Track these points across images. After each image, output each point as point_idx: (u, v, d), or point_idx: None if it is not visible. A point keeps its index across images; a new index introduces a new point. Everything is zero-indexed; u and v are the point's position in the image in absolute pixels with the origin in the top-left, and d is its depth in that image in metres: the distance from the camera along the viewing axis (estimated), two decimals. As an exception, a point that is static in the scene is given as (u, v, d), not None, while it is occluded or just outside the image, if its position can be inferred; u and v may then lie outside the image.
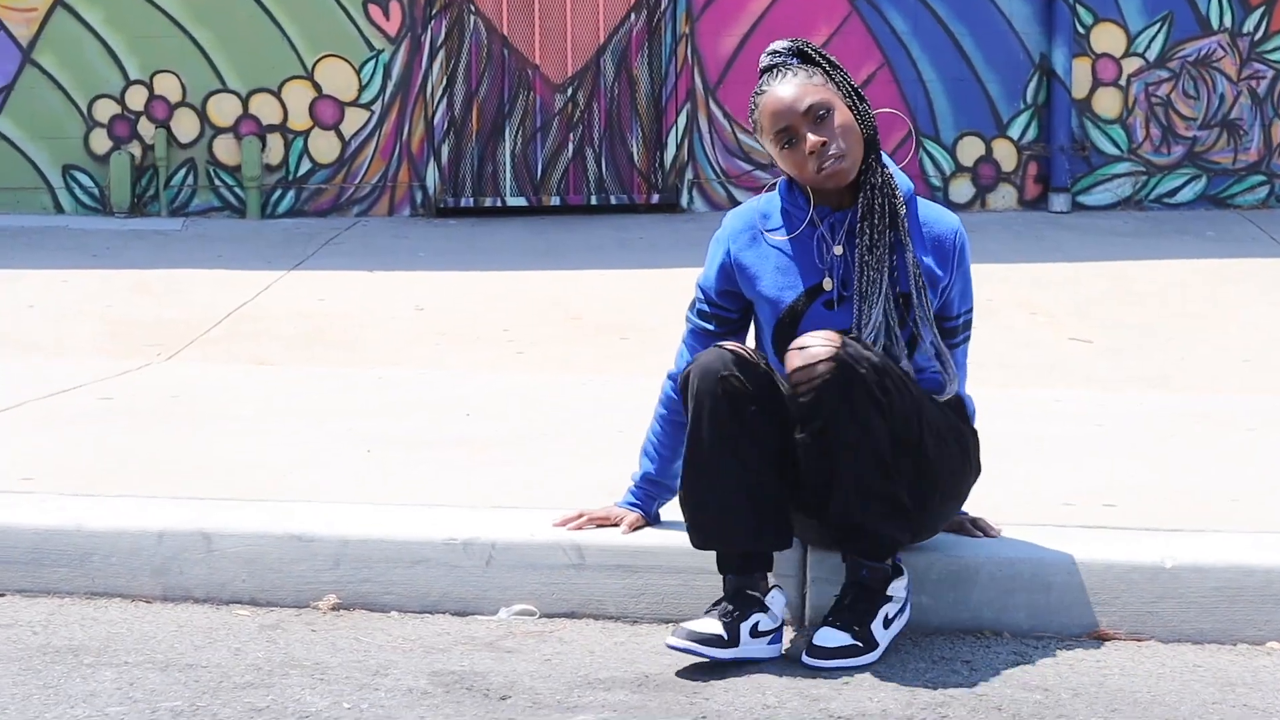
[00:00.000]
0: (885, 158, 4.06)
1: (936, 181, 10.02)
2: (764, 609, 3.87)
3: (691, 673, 3.79)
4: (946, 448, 3.99)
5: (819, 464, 3.84)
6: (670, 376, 4.21)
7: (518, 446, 5.35)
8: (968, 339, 4.19)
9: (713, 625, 3.83)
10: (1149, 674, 3.85)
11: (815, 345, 3.79)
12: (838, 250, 4.01)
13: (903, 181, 4.06)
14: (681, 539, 4.16)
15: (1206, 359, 7.03)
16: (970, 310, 4.17)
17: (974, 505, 4.31)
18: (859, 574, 3.91)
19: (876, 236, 3.97)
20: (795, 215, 4.06)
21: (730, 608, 3.87)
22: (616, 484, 4.35)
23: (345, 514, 4.38)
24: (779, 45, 4.10)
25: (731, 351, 3.90)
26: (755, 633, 3.85)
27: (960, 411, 4.11)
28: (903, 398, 3.85)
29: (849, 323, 3.97)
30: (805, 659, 3.81)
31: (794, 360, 3.80)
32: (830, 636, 3.83)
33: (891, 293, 3.97)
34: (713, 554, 3.96)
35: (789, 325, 4.01)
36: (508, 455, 5.21)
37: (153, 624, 4.07)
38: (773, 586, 3.93)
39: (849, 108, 4.00)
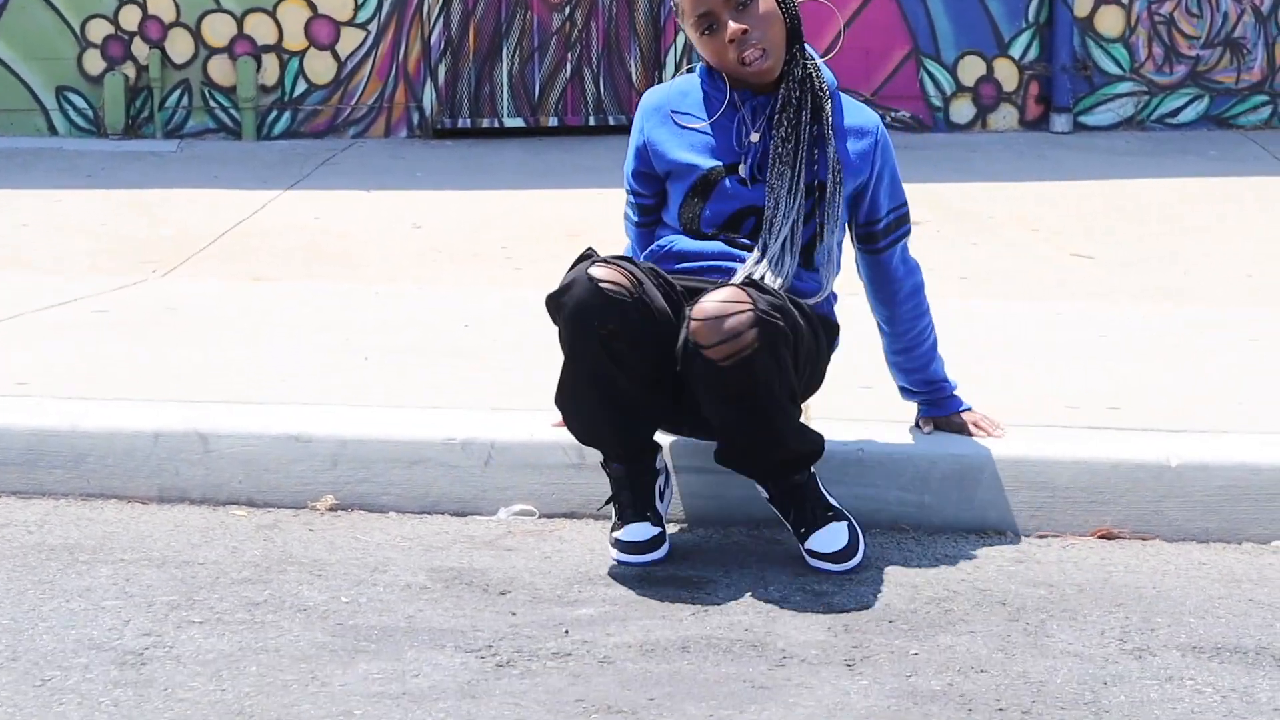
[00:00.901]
0: (810, 50, 3.99)
1: (937, 101, 9.94)
2: (656, 473, 3.86)
3: (693, 567, 3.76)
4: (817, 342, 3.91)
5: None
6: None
7: (516, 355, 5.30)
8: (906, 234, 4.11)
9: (643, 529, 3.79)
10: (1154, 571, 3.82)
11: (731, 312, 3.54)
12: (754, 137, 3.94)
13: (828, 75, 4.00)
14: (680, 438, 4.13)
15: (1209, 273, 6.98)
16: (902, 206, 4.09)
17: (977, 406, 4.27)
18: (792, 480, 3.80)
19: (791, 129, 3.89)
20: (714, 98, 3.99)
21: (633, 498, 3.81)
22: (616, 385, 4.30)
23: (343, 415, 4.34)
24: None
25: (601, 289, 3.62)
26: (660, 497, 3.90)
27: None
28: (798, 321, 3.71)
29: (762, 200, 3.88)
30: (823, 565, 3.75)
31: (708, 333, 3.56)
32: (828, 539, 3.77)
33: (802, 185, 3.88)
34: None
35: (699, 193, 3.93)
36: (506, 364, 5.16)
37: (149, 524, 4.04)
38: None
39: (779, 5, 3.92)
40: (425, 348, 5.43)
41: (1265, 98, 10.01)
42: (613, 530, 3.83)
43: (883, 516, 4.08)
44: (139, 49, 9.91)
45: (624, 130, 9.96)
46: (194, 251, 7.32)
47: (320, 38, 9.94)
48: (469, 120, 9.98)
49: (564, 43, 9.95)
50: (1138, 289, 6.74)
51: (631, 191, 4.10)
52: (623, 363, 3.69)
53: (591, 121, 9.99)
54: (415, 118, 9.97)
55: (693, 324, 3.58)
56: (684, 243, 3.95)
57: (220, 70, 9.95)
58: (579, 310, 3.64)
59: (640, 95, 9.86)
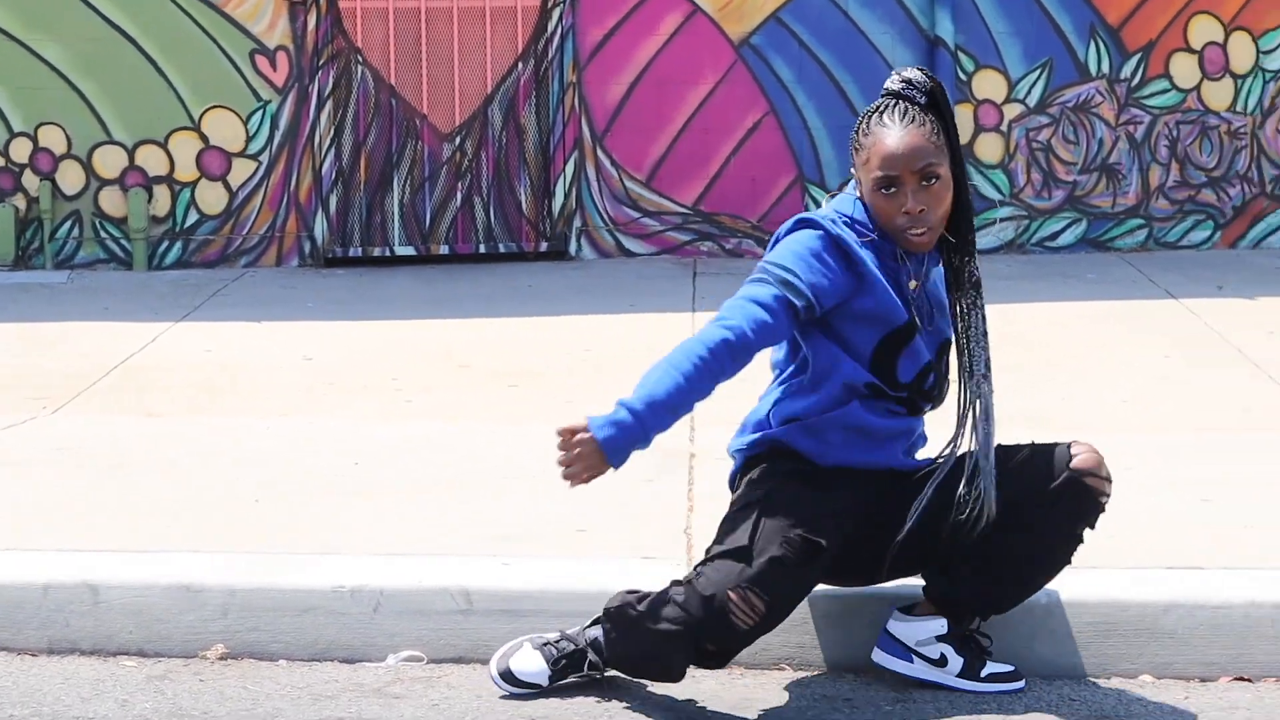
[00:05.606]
0: None
1: (822, 227, 10.12)
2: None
3: (573, 715, 3.82)
4: None
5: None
6: (726, 327, 3.90)
7: (405, 494, 5.36)
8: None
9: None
10: (1026, 707, 3.91)
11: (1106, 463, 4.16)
12: (913, 284, 4.07)
13: None
14: (566, 582, 4.22)
15: (1087, 399, 7.14)
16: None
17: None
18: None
19: (970, 301, 4.13)
20: (882, 248, 4.04)
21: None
22: (507, 527, 4.39)
23: (233, 563, 4.40)
24: (916, 77, 4.04)
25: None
26: None
27: None
28: None
29: (932, 355, 4.18)
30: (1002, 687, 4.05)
31: (1097, 465, 4.16)
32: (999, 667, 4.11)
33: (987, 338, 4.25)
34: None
35: (896, 345, 4.06)
36: (395, 503, 5.23)
37: (39, 677, 4.06)
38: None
39: (952, 176, 4.02)
40: (315, 486, 5.48)
41: (1140, 221, 10.26)
42: None
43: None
44: (30, 181, 9.94)
45: (515, 258, 10.07)
46: (85, 387, 7.33)
47: (212, 169, 10.01)
48: (360, 249, 10.07)
49: (454, 172, 10.08)
50: (1018, 414, 6.86)
51: (813, 296, 3.97)
52: None
53: (482, 249, 10.10)
54: (307, 247, 10.04)
55: (1087, 456, 4.15)
56: (870, 422, 4.13)
57: (111, 201, 9.99)
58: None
59: (529, 222, 10.04)
